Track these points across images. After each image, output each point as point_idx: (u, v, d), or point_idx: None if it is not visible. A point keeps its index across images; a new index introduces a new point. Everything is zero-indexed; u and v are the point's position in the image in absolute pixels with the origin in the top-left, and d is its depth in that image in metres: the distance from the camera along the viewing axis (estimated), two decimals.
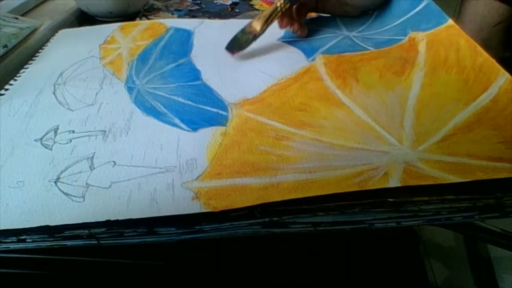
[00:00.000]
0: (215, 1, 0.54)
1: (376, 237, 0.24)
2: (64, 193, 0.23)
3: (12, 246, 0.22)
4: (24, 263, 0.23)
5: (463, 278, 0.68)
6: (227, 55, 0.37)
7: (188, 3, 0.54)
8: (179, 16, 0.50)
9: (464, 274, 0.68)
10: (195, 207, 0.21)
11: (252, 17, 0.45)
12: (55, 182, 0.24)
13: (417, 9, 0.39)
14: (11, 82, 0.35)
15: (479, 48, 0.31)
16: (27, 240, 0.22)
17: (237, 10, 0.51)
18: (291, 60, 0.35)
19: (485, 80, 0.28)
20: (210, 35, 0.41)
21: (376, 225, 0.22)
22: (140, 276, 0.23)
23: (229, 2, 0.53)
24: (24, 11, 0.49)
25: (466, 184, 0.21)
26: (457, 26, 0.34)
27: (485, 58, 0.30)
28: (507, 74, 0.28)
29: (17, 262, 0.23)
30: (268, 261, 0.23)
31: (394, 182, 0.21)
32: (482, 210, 0.21)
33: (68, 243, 0.22)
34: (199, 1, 0.54)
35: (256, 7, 0.52)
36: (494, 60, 0.29)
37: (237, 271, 0.23)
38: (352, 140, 0.25)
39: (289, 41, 0.39)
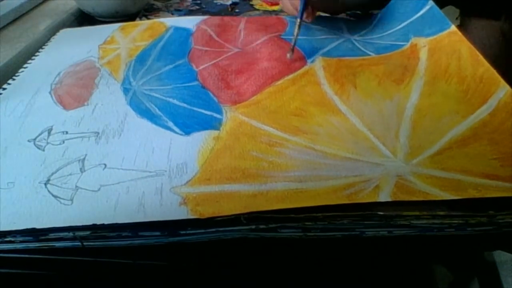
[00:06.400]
0: (215, 1, 0.54)
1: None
2: (53, 195, 0.23)
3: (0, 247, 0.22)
4: (23, 263, 0.23)
5: (468, 282, 0.67)
6: (224, 53, 0.37)
7: (188, 3, 0.54)
8: (179, 16, 0.49)
9: (469, 278, 0.67)
10: (182, 213, 0.21)
11: (252, 17, 0.45)
12: (45, 184, 0.24)
13: (420, 13, 0.38)
14: (9, 81, 0.35)
15: (481, 58, 0.30)
16: (16, 241, 0.22)
17: (237, 10, 0.50)
18: (290, 60, 0.35)
19: (485, 91, 0.28)
20: (209, 33, 0.41)
21: (366, 233, 0.21)
22: (140, 276, 0.23)
23: (229, 2, 0.53)
24: (24, 11, 0.49)
25: (458, 200, 0.20)
26: (459, 33, 0.34)
27: (486, 68, 0.29)
28: (507, 87, 0.27)
29: (16, 262, 0.23)
30: (268, 262, 0.23)
31: (384, 196, 0.21)
32: (474, 227, 0.20)
33: (56, 244, 0.22)
34: (199, 1, 0.54)
35: (256, 7, 0.51)
36: (495, 71, 0.28)
37: (237, 271, 0.23)
38: (345, 149, 0.25)
39: (289, 38, 0.39)
